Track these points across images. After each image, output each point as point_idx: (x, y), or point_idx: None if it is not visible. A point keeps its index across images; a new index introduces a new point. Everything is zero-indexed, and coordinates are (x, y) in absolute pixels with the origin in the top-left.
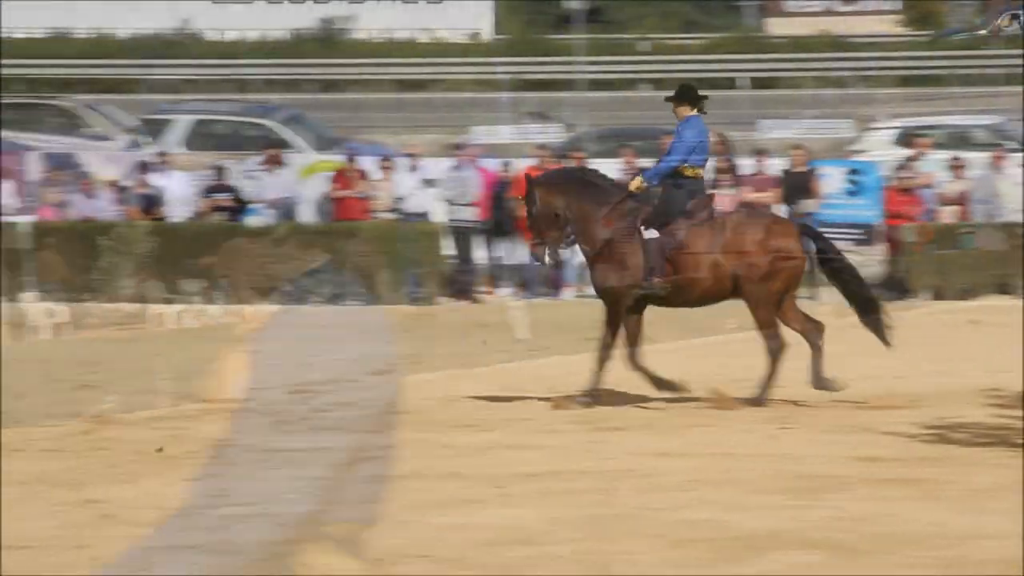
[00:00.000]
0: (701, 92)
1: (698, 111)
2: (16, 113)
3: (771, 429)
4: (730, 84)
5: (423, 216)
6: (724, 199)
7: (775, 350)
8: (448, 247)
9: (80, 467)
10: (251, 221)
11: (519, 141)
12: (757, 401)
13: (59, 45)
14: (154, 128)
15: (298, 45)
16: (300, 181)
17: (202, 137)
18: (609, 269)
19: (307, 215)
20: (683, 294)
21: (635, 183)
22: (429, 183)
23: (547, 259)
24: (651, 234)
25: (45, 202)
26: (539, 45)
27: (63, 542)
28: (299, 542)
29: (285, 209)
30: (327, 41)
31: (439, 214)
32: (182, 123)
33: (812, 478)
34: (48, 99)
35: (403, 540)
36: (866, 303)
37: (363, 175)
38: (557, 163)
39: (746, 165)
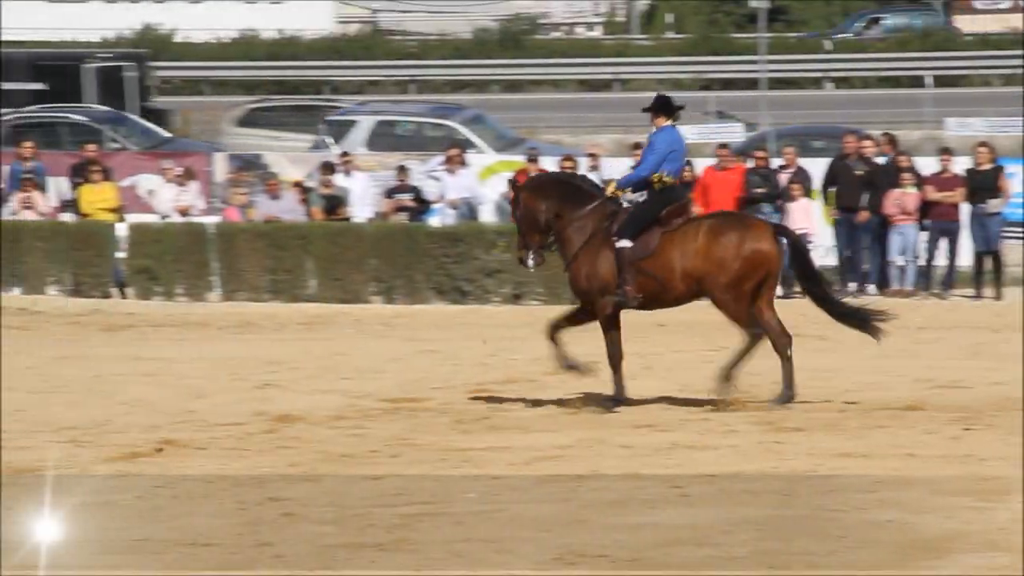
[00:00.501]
0: (677, 102)
1: (673, 121)
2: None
3: (954, 430)
4: (916, 82)
5: None
6: (909, 197)
7: (781, 345)
8: None
9: (263, 465)
10: (432, 221)
11: (701, 141)
12: (785, 399)
13: (243, 47)
14: (338, 129)
15: (481, 46)
16: (481, 181)
17: (384, 138)
18: (582, 274)
19: (488, 215)
20: (657, 301)
21: (610, 187)
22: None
23: (531, 263)
24: (623, 244)
25: (231, 203)
26: (722, 44)
27: (246, 540)
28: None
29: (466, 209)
30: (510, 42)
31: None
32: (365, 124)
33: (996, 480)
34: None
35: (581, 540)
36: (830, 306)
37: None
38: (739, 162)
39: (930, 164)
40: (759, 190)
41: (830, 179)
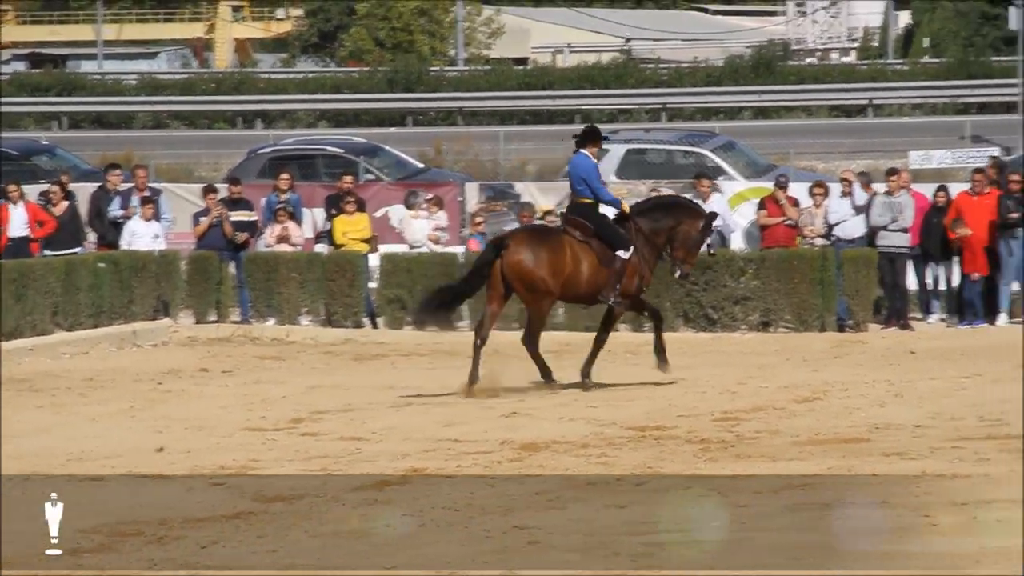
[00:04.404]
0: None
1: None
2: None
3: None
4: None
5: (855, 242)
6: None
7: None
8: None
9: (510, 493)
10: None
11: (955, 166)
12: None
13: (498, 77)
14: None
15: (734, 72)
16: (731, 208)
17: (635, 166)
18: None
19: (737, 242)
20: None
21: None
22: (861, 209)
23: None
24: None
25: (476, 232)
26: (979, 68)
27: (492, 568)
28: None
29: (716, 236)
30: (763, 68)
31: (871, 240)
32: (615, 152)
33: None
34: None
35: (830, 569)
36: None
37: (794, 201)
38: (993, 187)
39: None
40: (1013, 215)
41: None
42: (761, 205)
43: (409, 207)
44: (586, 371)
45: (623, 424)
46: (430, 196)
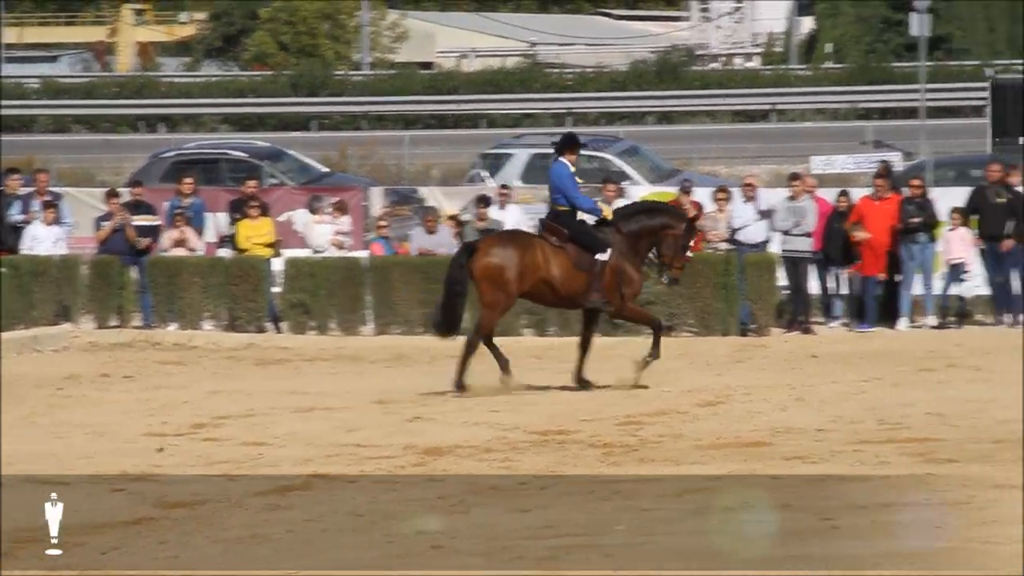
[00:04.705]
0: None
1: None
2: None
3: None
4: None
5: (759, 247)
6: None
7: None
8: (782, 277)
9: (412, 498)
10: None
11: (857, 171)
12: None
13: (403, 81)
14: (493, 162)
15: (638, 77)
16: None
17: (541, 170)
18: None
19: None
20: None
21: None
22: (765, 214)
23: None
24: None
25: (380, 236)
26: (881, 73)
27: (394, 573)
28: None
29: None
30: (665, 74)
31: (774, 245)
32: (520, 157)
33: None
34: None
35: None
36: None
37: (698, 206)
38: (895, 193)
39: None
40: (915, 219)
41: (972, 207)
42: None
43: (313, 212)
44: (578, 375)
45: (526, 428)
46: (334, 201)
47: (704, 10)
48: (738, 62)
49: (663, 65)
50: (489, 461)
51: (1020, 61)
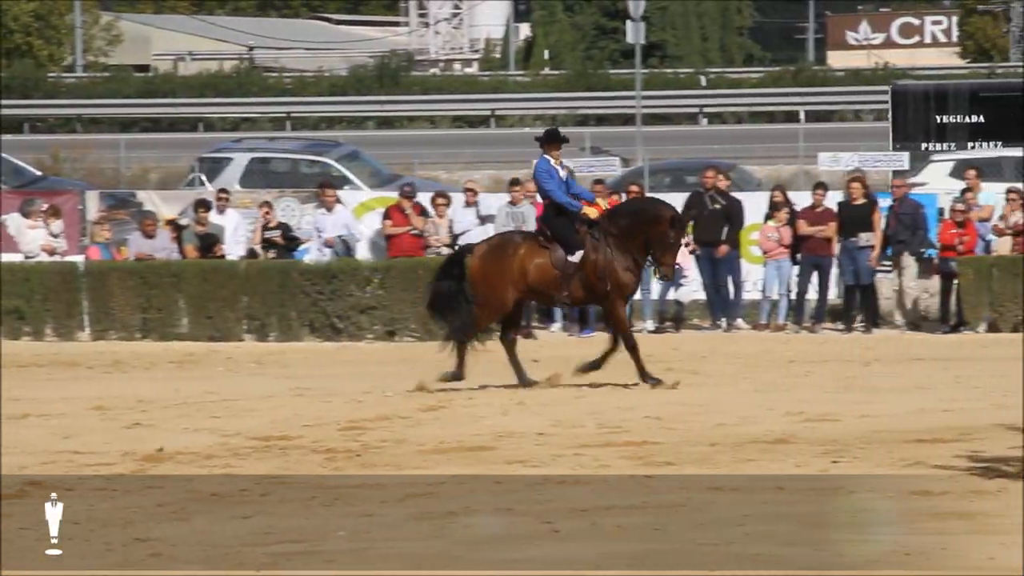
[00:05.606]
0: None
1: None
2: None
3: (823, 463)
4: (790, 118)
5: None
6: (782, 232)
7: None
8: None
9: (131, 505)
10: (307, 258)
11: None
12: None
13: (118, 84)
14: (212, 166)
15: (358, 82)
16: (356, 218)
17: (259, 175)
18: None
19: (363, 251)
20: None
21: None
22: (486, 219)
23: None
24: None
25: (94, 241)
26: (598, 80)
27: None
28: None
29: (342, 246)
30: (385, 79)
31: None
32: (239, 161)
33: (868, 512)
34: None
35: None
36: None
37: (420, 210)
38: (616, 198)
39: (803, 198)
40: None
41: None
42: (386, 215)
43: (26, 216)
44: (641, 374)
45: (248, 434)
46: (46, 206)
47: (423, 15)
48: (457, 67)
49: (383, 70)
50: (210, 467)
51: (732, 69)
